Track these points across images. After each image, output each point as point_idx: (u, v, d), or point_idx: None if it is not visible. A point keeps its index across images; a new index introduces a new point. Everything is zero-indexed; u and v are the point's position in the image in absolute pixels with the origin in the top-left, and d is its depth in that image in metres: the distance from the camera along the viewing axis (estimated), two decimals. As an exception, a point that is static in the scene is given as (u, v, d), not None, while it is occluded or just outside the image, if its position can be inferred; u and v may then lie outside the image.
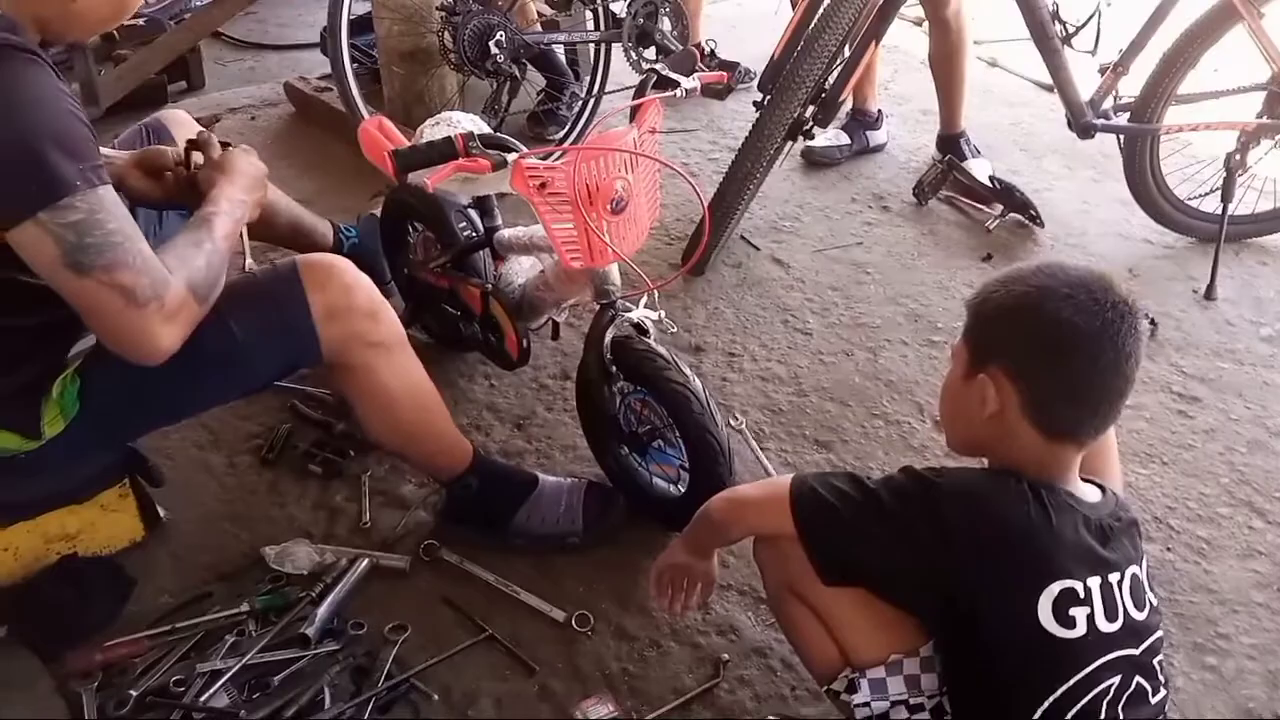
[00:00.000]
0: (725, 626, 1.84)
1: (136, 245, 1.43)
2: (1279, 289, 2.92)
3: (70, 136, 1.38)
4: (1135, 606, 1.31)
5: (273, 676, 1.65)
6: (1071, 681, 1.25)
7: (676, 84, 1.88)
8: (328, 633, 1.74)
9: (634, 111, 1.85)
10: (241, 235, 2.04)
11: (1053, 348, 1.30)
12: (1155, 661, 1.33)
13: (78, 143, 1.38)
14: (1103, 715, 1.26)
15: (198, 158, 1.80)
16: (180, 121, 2.12)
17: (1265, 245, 3.11)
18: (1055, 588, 1.25)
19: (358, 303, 1.71)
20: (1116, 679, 1.28)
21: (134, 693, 1.61)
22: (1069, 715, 1.25)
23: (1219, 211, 2.91)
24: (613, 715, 1.66)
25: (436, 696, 1.68)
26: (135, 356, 1.47)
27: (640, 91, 1.89)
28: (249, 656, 1.67)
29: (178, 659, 1.69)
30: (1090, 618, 1.26)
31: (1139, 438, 2.33)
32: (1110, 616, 1.27)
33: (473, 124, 2.03)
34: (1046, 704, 1.25)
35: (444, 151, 1.68)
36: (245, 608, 1.77)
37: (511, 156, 1.70)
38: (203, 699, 1.60)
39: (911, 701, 1.36)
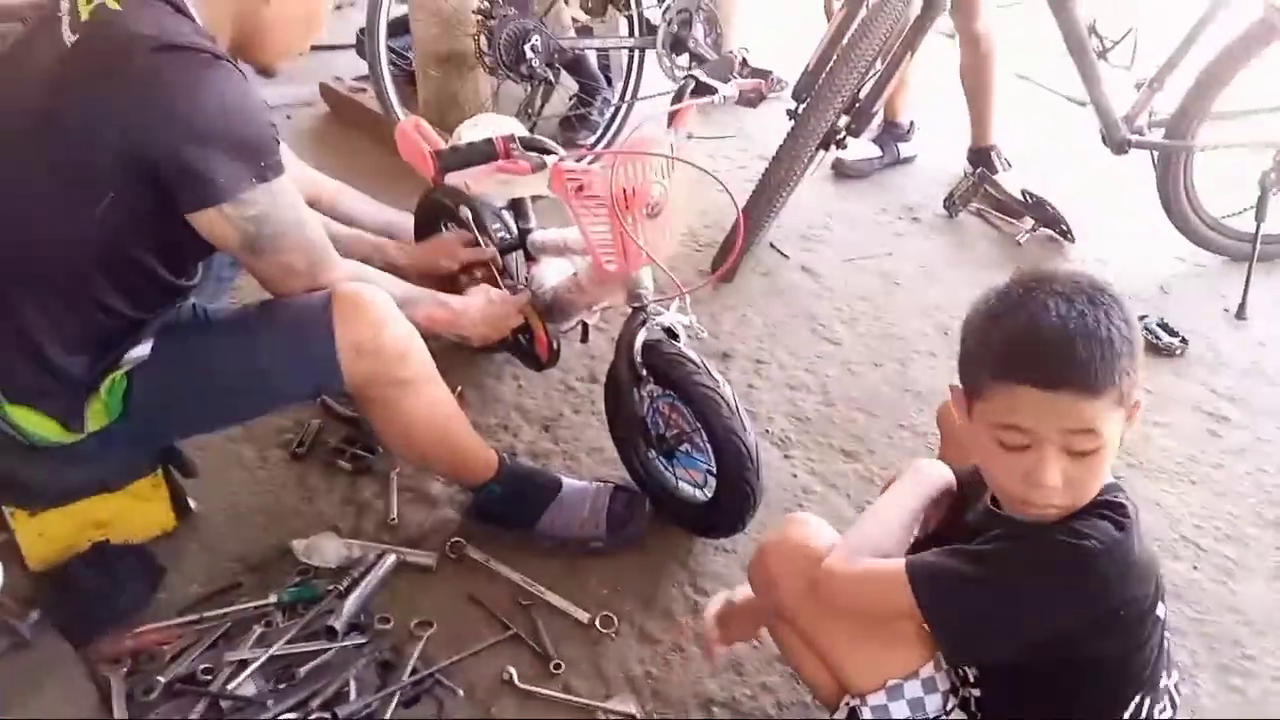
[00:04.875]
0: (749, 632, 1.84)
1: (303, 231, 1.65)
2: (1311, 310, 2.90)
3: (252, 135, 1.53)
4: None
5: (299, 668, 1.67)
6: (1157, 647, 1.30)
7: (714, 90, 1.89)
8: (354, 626, 1.76)
9: (671, 117, 1.86)
10: None
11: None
12: None
13: (259, 140, 1.54)
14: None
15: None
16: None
17: (1297, 265, 3.09)
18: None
19: (386, 341, 1.70)
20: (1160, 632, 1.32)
21: (162, 679, 1.63)
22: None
23: (1252, 230, 2.89)
24: (633, 715, 1.67)
25: (461, 692, 1.69)
26: (273, 295, 1.71)
27: (678, 97, 1.90)
28: (276, 647, 1.69)
29: (206, 648, 1.71)
30: None
31: (1167, 455, 2.32)
32: None
33: (512, 126, 2.04)
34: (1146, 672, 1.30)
35: (485, 152, 1.69)
36: (273, 599, 1.79)
37: (551, 159, 1.71)
38: (230, 687, 1.62)
39: None
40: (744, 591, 1.59)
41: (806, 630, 1.42)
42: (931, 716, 1.34)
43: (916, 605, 1.26)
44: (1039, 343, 1.20)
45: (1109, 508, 1.25)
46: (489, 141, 1.68)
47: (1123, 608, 1.23)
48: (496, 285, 2.17)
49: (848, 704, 1.37)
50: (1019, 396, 1.21)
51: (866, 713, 1.34)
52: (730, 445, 1.82)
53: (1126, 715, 1.30)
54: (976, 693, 1.39)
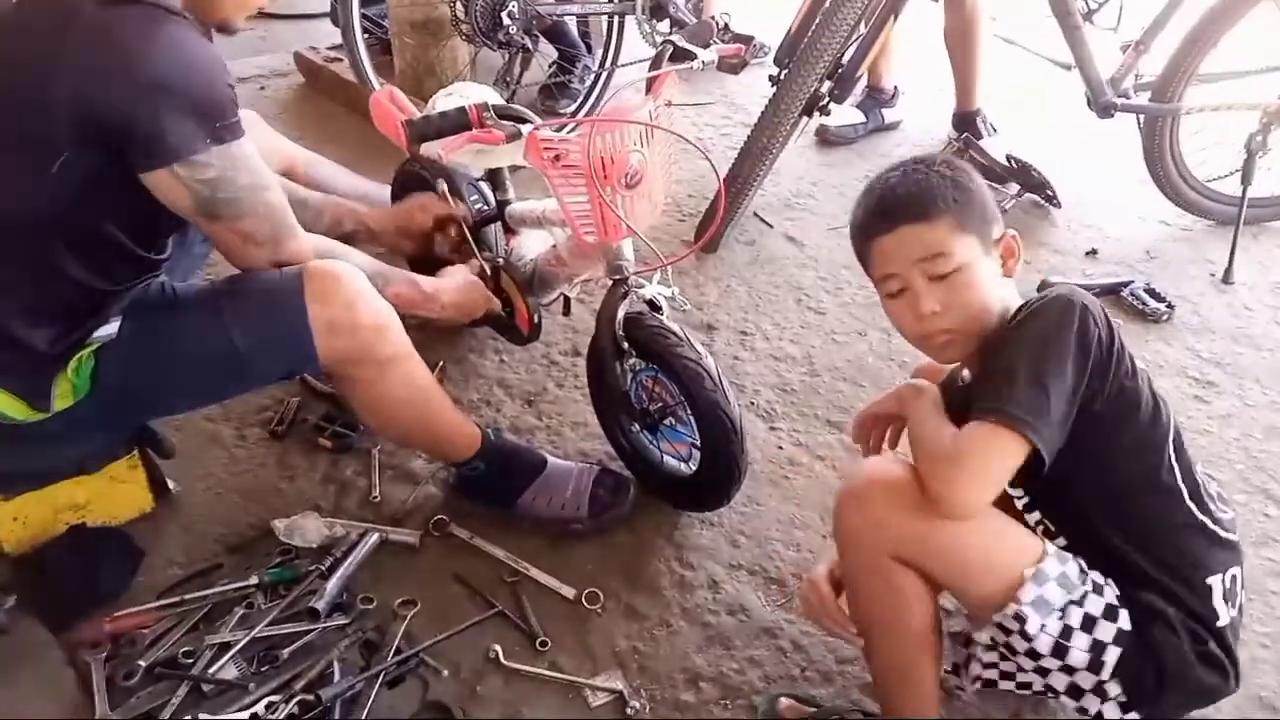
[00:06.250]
0: (735, 606, 1.83)
1: (263, 195, 1.59)
2: (1298, 273, 2.89)
3: (205, 93, 1.47)
4: None
5: (281, 649, 1.65)
6: (1174, 424, 1.43)
7: (694, 56, 1.85)
8: (337, 606, 1.74)
9: (649, 84, 1.82)
10: None
11: None
12: None
13: (214, 100, 1.48)
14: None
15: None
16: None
17: (1284, 229, 3.08)
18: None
19: (361, 318, 1.67)
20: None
21: (143, 663, 1.61)
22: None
23: (1238, 194, 2.87)
24: (620, 691, 1.66)
25: (446, 672, 1.68)
26: (234, 266, 1.67)
27: (656, 63, 1.86)
28: (258, 629, 1.67)
29: (186, 630, 1.69)
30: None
31: (1154, 421, 2.30)
32: None
33: (486, 95, 2.00)
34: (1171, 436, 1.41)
35: (458, 122, 1.65)
36: (254, 580, 1.77)
37: (526, 128, 1.68)
38: (211, 670, 1.61)
39: (1075, 596, 1.34)
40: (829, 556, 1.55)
41: (927, 555, 1.36)
42: (1079, 585, 1.35)
43: (1016, 431, 1.28)
44: (873, 202, 1.45)
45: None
46: (461, 110, 1.64)
47: (1114, 338, 1.36)
48: (468, 247, 2.13)
49: (1009, 611, 1.33)
50: (875, 250, 1.44)
51: (1028, 610, 1.32)
52: (714, 418, 1.80)
53: (1170, 463, 1.40)
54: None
